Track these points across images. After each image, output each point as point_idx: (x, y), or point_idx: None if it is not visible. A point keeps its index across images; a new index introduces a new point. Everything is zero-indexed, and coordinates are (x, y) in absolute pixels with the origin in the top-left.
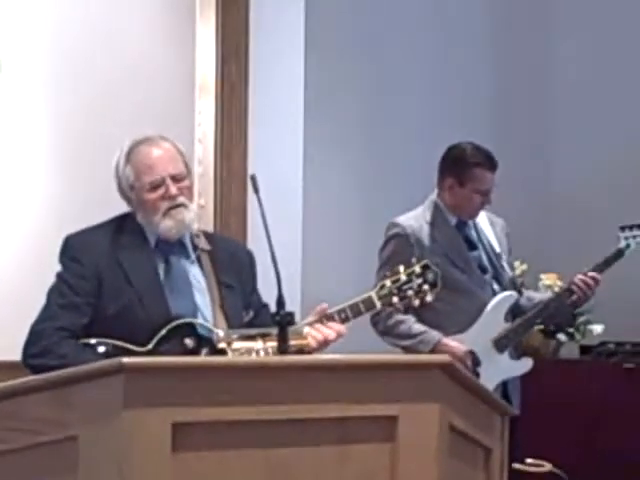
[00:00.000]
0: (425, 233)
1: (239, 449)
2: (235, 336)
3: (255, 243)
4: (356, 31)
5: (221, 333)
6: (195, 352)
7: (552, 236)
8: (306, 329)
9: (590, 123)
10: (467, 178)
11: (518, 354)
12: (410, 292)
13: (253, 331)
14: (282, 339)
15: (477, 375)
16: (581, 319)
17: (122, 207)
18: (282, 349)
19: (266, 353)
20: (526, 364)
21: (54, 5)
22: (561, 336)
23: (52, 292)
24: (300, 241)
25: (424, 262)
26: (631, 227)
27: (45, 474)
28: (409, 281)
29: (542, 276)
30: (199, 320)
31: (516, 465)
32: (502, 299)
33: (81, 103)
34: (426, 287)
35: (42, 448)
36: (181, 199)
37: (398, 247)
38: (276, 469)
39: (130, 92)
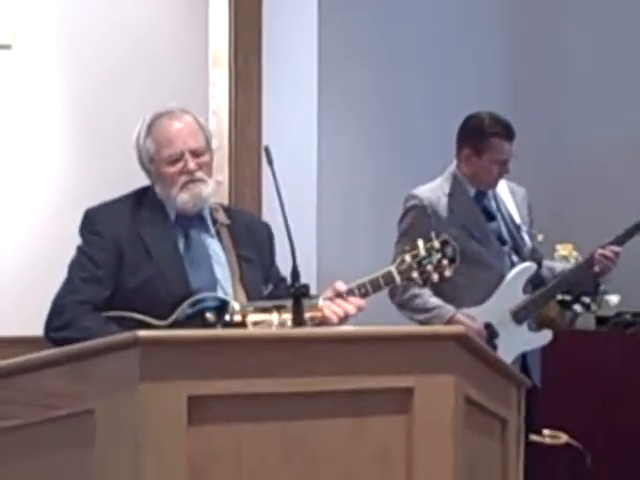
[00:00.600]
0: (443, 204)
1: (255, 422)
2: (250, 308)
3: (270, 215)
4: (371, 3)
5: (237, 306)
6: (216, 326)
7: (569, 206)
8: (326, 302)
9: (606, 91)
10: (484, 148)
11: (538, 326)
12: (429, 267)
13: (268, 303)
14: (297, 311)
15: (494, 347)
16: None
17: (135, 183)
18: (297, 321)
19: (282, 325)
20: (545, 336)
21: None
22: (577, 307)
23: (73, 265)
24: (315, 213)
25: (443, 237)
26: None
27: (62, 447)
28: (428, 256)
29: (558, 247)
30: (219, 293)
31: (533, 436)
32: (521, 270)
33: (93, 78)
34: (445, 262)
35: (59, 422)
36: (199, 174)
37: (416, 219)
38: (292, 442)
39: (143, 65)
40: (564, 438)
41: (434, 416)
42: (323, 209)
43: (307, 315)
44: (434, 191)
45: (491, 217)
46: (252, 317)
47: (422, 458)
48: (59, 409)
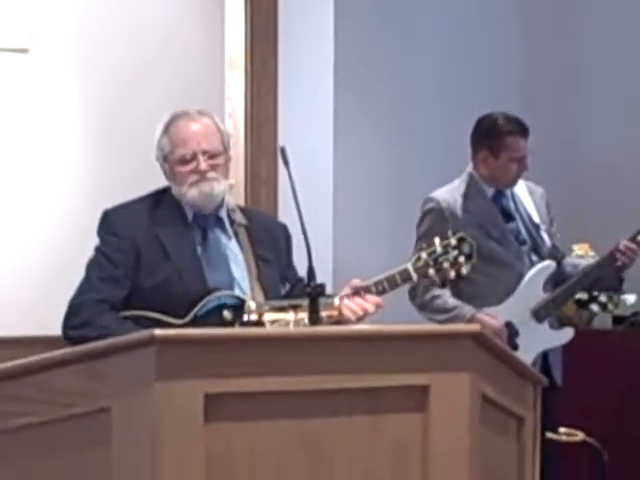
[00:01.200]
0: (459, 206)
1: (271, 420)
2: (266, 307)
3: (286, 216)
4: (386, 7)
5: (253, 305)
6: (233, 324)
7: (585, 206)
8: (344, 301)
9: (623, 89)
10: (501, 148)
11: (559, 324)
12: (446, 264)
13: (284, 302)
14: (313, 310)
15: (515, 346)
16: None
17: (151, 186)
18: (313, 320)
19: (298, 324)
20: (567, 334)
21: None
22: (594, 306)
23: (91, 265)
24: (331, 214)
25: (460, 234)
26: None
27: (78, 446)
28: (445, 253)
29: (574, 247)
30: (236, 292)
31: (549, 434)
32: (540, 269)
33: (110, 81)
34: (462, 259)
35: (75, 420)
36: (211, 174)
37: (434, 222)
38: (308, 439)
39: (160, 68)
40: (580, 436)
41: (450, 414)
42: (338, 210)
43: (323, 314)
44: (452, 193)
45: (509, 217)
46: (268, 316)
47: (438, 456)
48: (75, 407)
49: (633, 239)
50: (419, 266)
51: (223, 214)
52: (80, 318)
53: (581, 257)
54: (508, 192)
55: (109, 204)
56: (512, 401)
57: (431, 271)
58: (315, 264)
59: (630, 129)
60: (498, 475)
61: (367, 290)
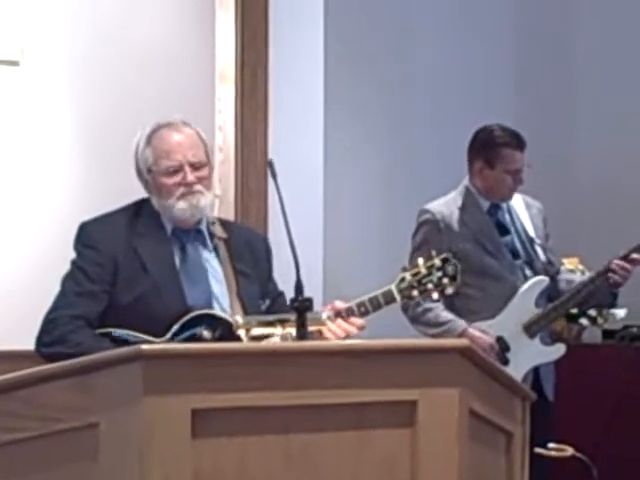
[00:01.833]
0: (455, 218)
1: (259, 435)
2: (254, 322)
3: (276, 230)
4: (377, 17)
5: (240, 319)
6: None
7: (575, 220)
8: (326, 314)
9: (616, 106)
10: (496, 159)
11: (551, 339)
12: (430, 285)
13: (272, 317)
14: (300, 325)
15: (506, 361)
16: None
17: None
18: (301, 335)
19: (285, 339)
20: (558, 350)
21: None
22: (584, 320)
23: (67, 280)
24: (322, 227)
25: (444, 255)
26: None
27: (66, 461)
28: (429, 274)
29: (564, 260)
30: (215, 308)
31: (538, 449)
32: (533, 284)
33: (101, 94)
34: (446, 280)
35: (62, 435)
36: (198, 187)
37: (428, 234)
38: (296, 455)
39: (150, 79)
40: (570, 451)
41: (439, 429)
42: (329, 223)
43: (311, 328)
44: (447, 205)
45: (505, 230)
46: (256, 331)
47: (427, 471)
48: (63, 422)
49: (625, 257)
50: (403, 287)
51: (203, 227)
52: (54, 335)
53: (571, 271)
54: (504, 205)
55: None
56: (501, 416)
57: (415, 292)
58: (305, 278)
59: (622, 144)
60: None
61: (349, 312)
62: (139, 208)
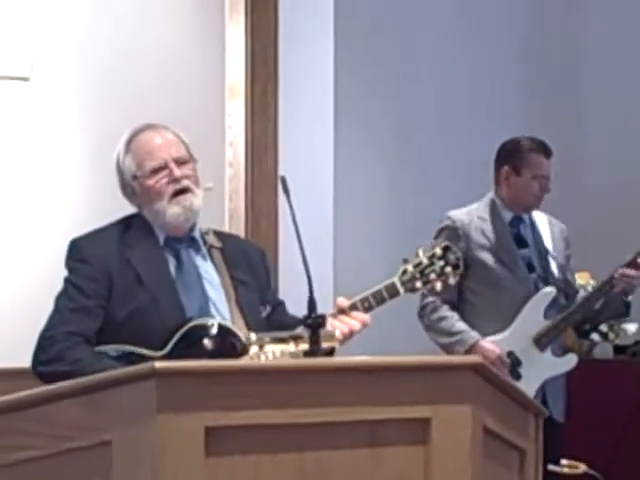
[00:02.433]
0: (475, 227)
1: (272, 453)
2: (267, 339)
3: (286, 245)
4: (387, 32)
5: (253, 336)
6: (214, 353)
7: (586, 235)
8: (330, 320)
9: (623, 120)
10: (523, 164)
11: (562, 351)
12: (433, 275)
13: (285, 334)
14: (314, 342)
15: (518, 376)
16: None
17: None
18: (313, 352)
19: (296, 356)
20: (570, 361)
21: (84, 10)
22: (595, 336)
23: (60, 297)
24: (332, 243)
25: (444, 243)
26: None
27: (78, 479)
28: (431, 264)
29: (575, 275)
30: (215, 317)
31: (551, 466)
32: (540, 296)
33: (111, 108)
34: (448, 269)
35: (74, 453)
36: (186, 182)
37: (447, 240)
38: (309, 473)
39: (160, 95)
40: (582, 468)
41: (452, 446)
42: (340, 239)
43: (323, 345)
44: (469, 214)
45: (524, 243)
46: (269, 347)
47: None
48: (75, 441)
49: (629, 265)
50: (406, 279)
51: (196, 234)
52: (51, 352)
53: (582, 286)
54: (527, 218)
55: None
56: (514, 433)
57: (418, 284)
58: (316, 293)
59: (630, 159)
60: None
61: (353, 307)
62: (129, 222)
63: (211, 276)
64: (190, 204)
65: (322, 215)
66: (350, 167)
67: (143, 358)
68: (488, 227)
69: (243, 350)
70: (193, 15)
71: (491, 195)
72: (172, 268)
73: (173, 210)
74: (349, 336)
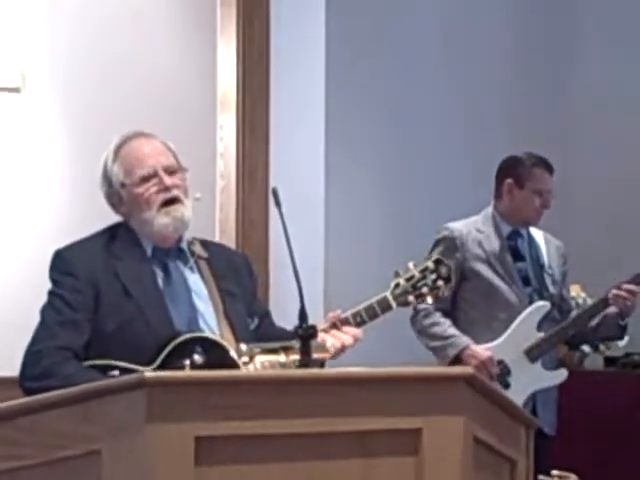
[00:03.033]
0: (472, 239)
1: (262, 463)
2: (257, 350)
3: (277, 256)
4: (378, 42)
5: (244, 347)
6: (203, 368)
7: (575, 249)
8: (321, 334)
9: (614, 133)
10: (526, 178)
11: (554, 365)
12: (425, 289)
13: (276, 344)
14: (305, 352)
15: (507, 384)
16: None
17: None
18: (305, 362)
19: (288, 366)
20: (560, 375)
21: (75, 22)
22: (585, 348)
23: (46, 310)
24: (322, 254)
25: (436, 257)
26: None
27: None
28: (423, 278)
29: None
30: (204, 330)
31: (541, 477)
32: (534, 309)
33: (101, 119)
34: (440, 283)
35: (64, 463)
36: (176, 192)
37: (445, 250)
38: None
39: (152, 107)
40: (573, 478)
41: (443, 457)
42: (331, 250)
43: (315, 356)
44: (467, 226)
45: (520, 257)
46: (259, 358)
47: None
48: (65, 450)
49: (625, 285)
50: (398, 294)
51: (184, 245)
52: (40, 368)
53: (573, 299)
54: (524, 233)
55: None
56: (505, 444)
57: (410, 298)
58: (307, 304)
59: (621, 172)
60: None
61: (345, 322)
62: (115, 231)
63: (199, 288)
64: (181, 215)
65: (313, 227)
66: (342, 179)
67: (132, 373)
68: (486, 239)
69: (233, 365)
70: (185, 28)
71: (490, 209)
72: (160, 280)
73: (162, 220)
74: (341, 351)
